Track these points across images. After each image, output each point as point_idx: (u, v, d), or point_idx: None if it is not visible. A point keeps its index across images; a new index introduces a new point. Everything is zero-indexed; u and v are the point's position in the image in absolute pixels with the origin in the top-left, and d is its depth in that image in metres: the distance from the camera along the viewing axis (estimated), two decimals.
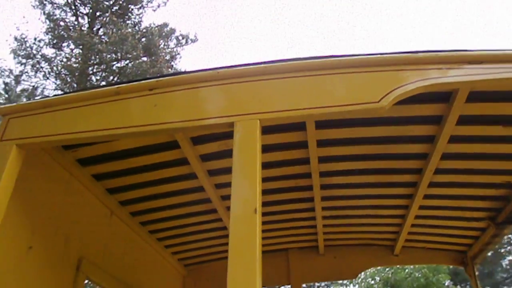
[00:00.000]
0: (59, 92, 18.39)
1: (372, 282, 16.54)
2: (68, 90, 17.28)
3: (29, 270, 2.13)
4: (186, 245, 3.92)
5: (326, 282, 26.80)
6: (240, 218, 1.48)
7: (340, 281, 18.01)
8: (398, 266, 15.87)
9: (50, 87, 19.06)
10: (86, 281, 2.68)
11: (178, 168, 2.82)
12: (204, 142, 2.62)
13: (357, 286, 16.31)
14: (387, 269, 15.96)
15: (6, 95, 19.29)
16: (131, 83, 1.97)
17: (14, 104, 2.11)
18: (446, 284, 15.61)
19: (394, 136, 2.65)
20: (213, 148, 2.67)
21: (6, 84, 19.49)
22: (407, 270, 15.56)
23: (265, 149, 2.67)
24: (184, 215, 3.41)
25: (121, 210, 3.12)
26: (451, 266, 13.73)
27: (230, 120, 1.75)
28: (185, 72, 2.05)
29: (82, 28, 17.72)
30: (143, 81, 1.95)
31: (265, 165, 2.83)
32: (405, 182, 3.11)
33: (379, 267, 16.27)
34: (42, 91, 19.48)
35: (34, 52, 17.93)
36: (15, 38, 17.87)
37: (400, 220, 3.66)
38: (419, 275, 15.58)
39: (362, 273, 16.45)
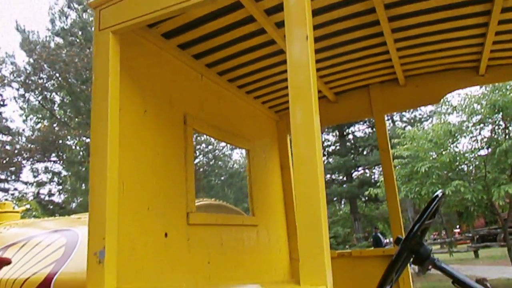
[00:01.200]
0: None
1: (478, 107, 15.89)
2: None
3: (148, 128, 2.78)
4: (272, 94, 4.38)
5: (428, 113, 26.51)
6: (294, 45, 1.77)
7: (443, 111, 17.67)
8: (508, 88, 14.93)
9: None
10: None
11: (247, 26, 3.08)
12: None
13: (460, 112, 15.95)
14: (495, 91, 15.13)
15: None
16: None
17: None
18: None
19: None
20: (275, 1, 2.83)
21: None
22: None
23: None
24: (263, 68, 3.79)
25: (209, 72, 3.60)
26: None
27: None
28: None
29: None
30: None
31: (327, 8, 2.95)
32: None
33: (485, 91, 15.53)
34: None
35: None
36: None
37: (481, 39, 3.55)
38: None
39: (467, 99, 15.91)
